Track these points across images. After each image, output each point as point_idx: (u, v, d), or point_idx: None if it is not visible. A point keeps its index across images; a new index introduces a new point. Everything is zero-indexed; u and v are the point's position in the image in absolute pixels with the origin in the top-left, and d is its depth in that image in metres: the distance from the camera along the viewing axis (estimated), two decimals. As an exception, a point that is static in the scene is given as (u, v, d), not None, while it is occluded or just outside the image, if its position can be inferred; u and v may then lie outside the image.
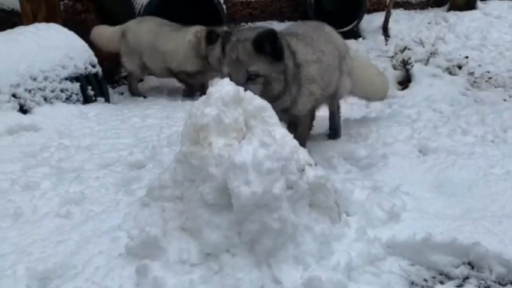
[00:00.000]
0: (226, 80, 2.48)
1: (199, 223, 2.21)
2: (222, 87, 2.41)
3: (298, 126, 3.44)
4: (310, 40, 3.37)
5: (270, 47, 2.97)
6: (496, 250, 2.33)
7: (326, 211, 2.38)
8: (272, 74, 2.99)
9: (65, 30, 5.14)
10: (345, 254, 2.22)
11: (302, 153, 2.40)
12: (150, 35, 5.54)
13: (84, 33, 7.44)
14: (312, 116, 3.65)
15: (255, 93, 2.58)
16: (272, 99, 2.83)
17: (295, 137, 2.94)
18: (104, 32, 5.90)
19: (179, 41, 5.49)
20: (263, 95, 2.74)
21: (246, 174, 2.08)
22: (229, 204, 2.15)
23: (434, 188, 3.04)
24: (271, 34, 2.99)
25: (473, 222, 2.54)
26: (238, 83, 2.62)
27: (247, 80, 2.91)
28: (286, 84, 3.11)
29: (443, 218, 2.63)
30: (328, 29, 3.78)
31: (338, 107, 4.06)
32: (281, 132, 2.38)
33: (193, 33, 5.46)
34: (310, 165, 2.40)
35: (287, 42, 3.18)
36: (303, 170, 2.31)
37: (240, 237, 2.14)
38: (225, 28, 5.49)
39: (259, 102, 2.48)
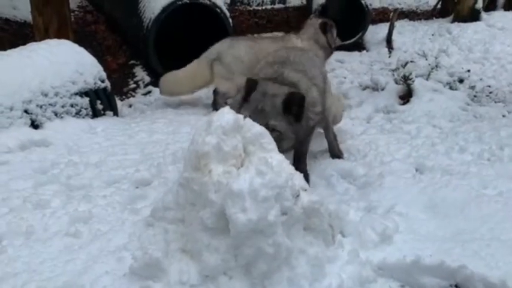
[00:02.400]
0: (227, 108, 2.62)
1: (199, 246, 2.35)
2: (223, 116, 2.55)
3: (300, 147, 3.58)
4: (302, 67, 3.53)
5: (296, 109, 3.14)
6: (482, 273, 2.42)
7: (320, 234, 2.51)
8: (289, 134, 3.16)
9: (75, 46, 5.30)
10: (337, 276, 2.35)
11: (297, 179, 2.53)
12: (251, 52, 5.60)
13: (94, 43, 7.69)
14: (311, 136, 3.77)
15: None
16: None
17: (296, 157, 3.09)
18: (184, 76, 5.78)
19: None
20: None
21: (243, 202, 2.22)
22: (228, 228, 2.29)
23: (428, 208, 3.14)
24: (302, 99, 3.15)
25: (462, 245, 2.65)
26: None
27: None
28: (295, 142, 3.29)
29: (434, 240, 2.75)
30: (312, 53, 3.91)
31: (333, 133, 4.15)
32: (278, 158, 2.51)
33: (304, 40, 5.64)
34: (305, 190, 2.53)
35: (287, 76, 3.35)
36: (298, 195, 2.44)
37: (236, 260, 2.28)
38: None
39: (257, 129, 2.61)
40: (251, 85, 3.19)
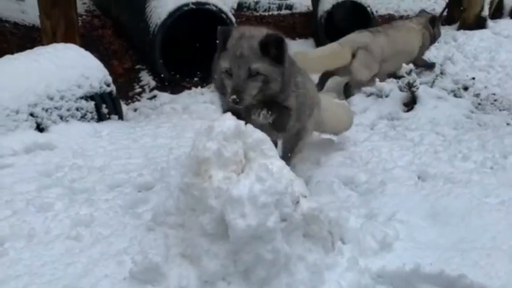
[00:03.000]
0: (228, 114, 2.64)
1: (199, 251, 2.36)
2: (224, 122, 2.57)
3: (297, 141, 3.61)
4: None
5: (275, 51, 2.98)
6: (481, 282, 2.43)
7: (320, 241, 2.51)
8: (273, 74, 2.99)
9: (82, 50, 5.35)
10: (336, 284, 2.36)
11: (297, 185, 2.54)
12: (392, 43, 6.46)
13: (101, 48, 7.75)
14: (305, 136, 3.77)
15: (253, 91, 2.87)
16: (267, 97, 2.99)
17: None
18: (322, 56, 6.27)
19: (414, 36, 6.76)
20: (260, 91, 2.94)
21: (242, 208, 2.23)
22: (227, 234, 2.30)
23: (430, 216, 3.13)
24: (279, 40, 3.01)
25: (462, 254, 2.64)
26: (239, 79, 2.85)
27: (248, 77, 2.91)
28: (283, 85, 3.12)
29: (434, 248, 2.74)
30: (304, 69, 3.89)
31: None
32: (278, 164, 2.52)
33: (419, 24, 6.88)
34: (305, 196, 2.54)
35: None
36: (298, 202, 2.45)
37: (235, 266, 2.29)
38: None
39: (258, 135, 2.63)
40: (226, 32, 3.03)
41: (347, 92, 6.26)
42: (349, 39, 6.32)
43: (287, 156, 3.62)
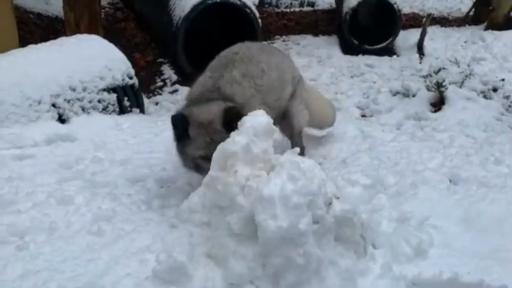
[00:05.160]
0: (261, 110, 2.53)
1: (225, 252, 2.26)
2: (256, 117, 2.47)
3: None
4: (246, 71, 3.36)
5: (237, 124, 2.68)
6: (524, 294, 2.30)
7: (352, 245, 2.39)
8: None
9: (105, 42, 5.28)
10: (369, 291, 2.24)
11: (330, 186, 2.43)
12: None
13: (123, 40, 7.70)
14: None
15: None
16: None
17: None
18: None
19: None
20: None
21: (273, 208, 2.12)
22: (256, 235, 2.20)
23: (463, 222, 3.00)
24: (236, 111, 2.81)
25: (501, 263, 2.51)
26: None
27: None
28: None
29: (471, 256, 2.61)
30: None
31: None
32: (310, 164, 2.41)
33: None
34: (338, 198, 2.42)
35: None
36: (330, 203, 2.33)
37: (264, 269, 2.18)
38: None
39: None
40: (183, 122, 2.89)
41: None
42: None
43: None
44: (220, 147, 2.49)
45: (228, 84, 3.12)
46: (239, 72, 3.20)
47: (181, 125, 2.89)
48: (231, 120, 2.75)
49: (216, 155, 2.50)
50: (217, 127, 2.82)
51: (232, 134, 2.49)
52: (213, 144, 2.68)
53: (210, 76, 3.22)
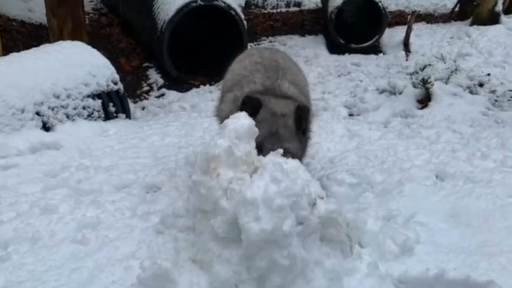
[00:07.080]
0: (243, 113, 2.51)
1: (210, 256, 2.24)
2: (238, 120, 2.44)
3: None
4: (294, 75, 3.40)
5: (305, 124, 2.92)
6: (511, 289, 2.29)
7: (338, 245, 2.38)
8: (299, 152, 2.93)
9: (89, 47, 5.24)
10: (355, 290, 2.22)
11: (314, 186, 2.41)
12: None
13: (108, 46, 7.66)
14: None
15: None
16: None
17: None
18: None
19: None
20: None
21: (256, 210, 2.10)
22: (240, 238, 2.17)
23: (450, 218, 2.99)
24: (308, 112, 2.93)
25: (488, 258, 2.50)
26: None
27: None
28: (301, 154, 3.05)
29: (457, 252, 2.60)
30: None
31: None
32: (293, 165, 2.39)
33: None
34: (322, 198, 2.41)
35: None
36: (315, 204, 2.31)
37: (249, 272, 2.15)
38: None
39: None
40: (255, 105, 2.86)
41: None
42: None
43: None
44: (203, 150, 2.47)
45: (286, 84, 3.17)
46: (291, 77, 3.27)
47: (254, 106, 2.84)
48: (301, 117, 2.86)
49: (199, 159, 2.48)
50: (289, 122, 2.85)
51: (215, 136, 2.47)
52: (274, 137, 2.76)
53: (267, 76, 3.22)
